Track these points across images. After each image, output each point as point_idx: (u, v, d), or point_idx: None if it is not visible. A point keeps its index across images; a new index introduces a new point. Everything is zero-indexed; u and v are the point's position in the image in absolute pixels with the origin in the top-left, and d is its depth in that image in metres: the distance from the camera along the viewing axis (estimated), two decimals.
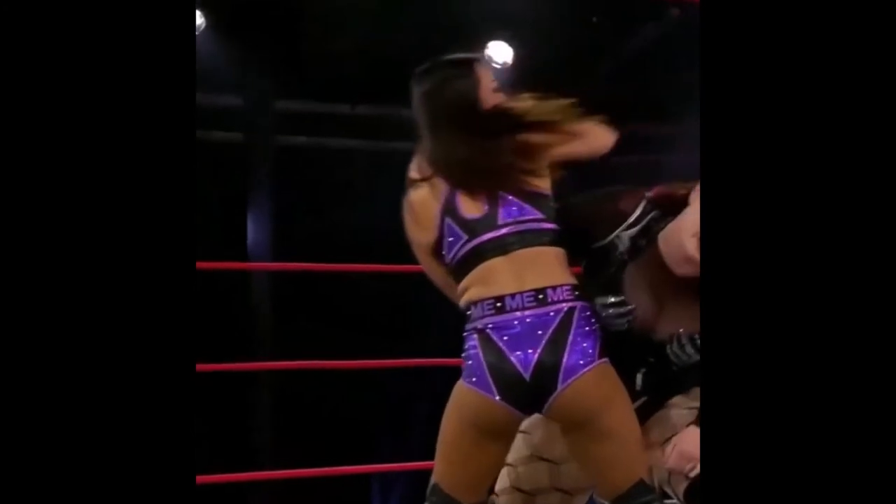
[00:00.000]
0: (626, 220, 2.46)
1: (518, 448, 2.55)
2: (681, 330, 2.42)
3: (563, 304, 2.34)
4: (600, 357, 2.33)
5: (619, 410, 2.36)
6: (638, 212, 2.46)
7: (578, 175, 2.52)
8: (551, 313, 2.32)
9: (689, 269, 2.35)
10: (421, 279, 2.60)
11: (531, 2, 6.39)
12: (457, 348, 2.43)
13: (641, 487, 2.35)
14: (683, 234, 2.33)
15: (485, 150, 2.43)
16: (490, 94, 2.49)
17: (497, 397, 2.32)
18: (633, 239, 2.45)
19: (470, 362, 2.35)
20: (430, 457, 2.44)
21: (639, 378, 2.47)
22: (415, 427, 7.15)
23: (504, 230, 2.39)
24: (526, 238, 2.39)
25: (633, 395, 2.46)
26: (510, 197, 2.41)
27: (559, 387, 2.30)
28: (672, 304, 2.43)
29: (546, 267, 2.38)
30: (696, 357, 2.42)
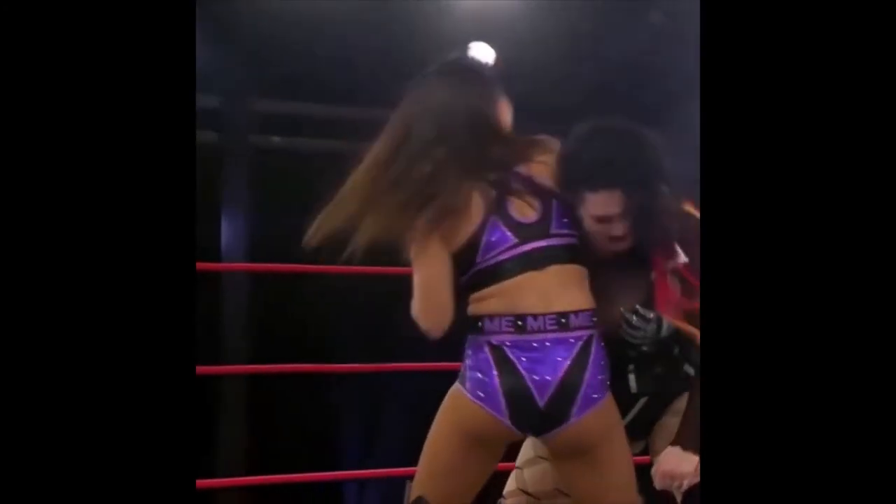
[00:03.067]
0: None
1: (525, 450, 2.54)
2: (621, 309, 2.38)
3: (583, 332, 2.27)
4: (608, 389, 2.29)
5: (616, 442, 2.32)
6: None
7: None
8: (571, 340, 2.26)
9: (616, 247, 2.37)
10: (399, 281, 2.51)
11: (513, 4, 6.36)
12: (432, 353, 2.36)
13: None
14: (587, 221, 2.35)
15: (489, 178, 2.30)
16: (504, 108, 2.38)
17: (506, 420, 2.25)
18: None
19: (479, 375, 2.26)
20: (402, 463, 2.38)
21: (631, 379, 2.43)
22: (388, 432, 7.11)
23: (554, 241, 2.30)
24: (566, 252, 2.31)
25: (631, 399, 2.43)
26: (561, 207, 2.32)
27: (572, 419, 2.24)
28: (609, 288, 2.39)
29: (574, 288, 2.30)
30: (651, 327, 2.37)
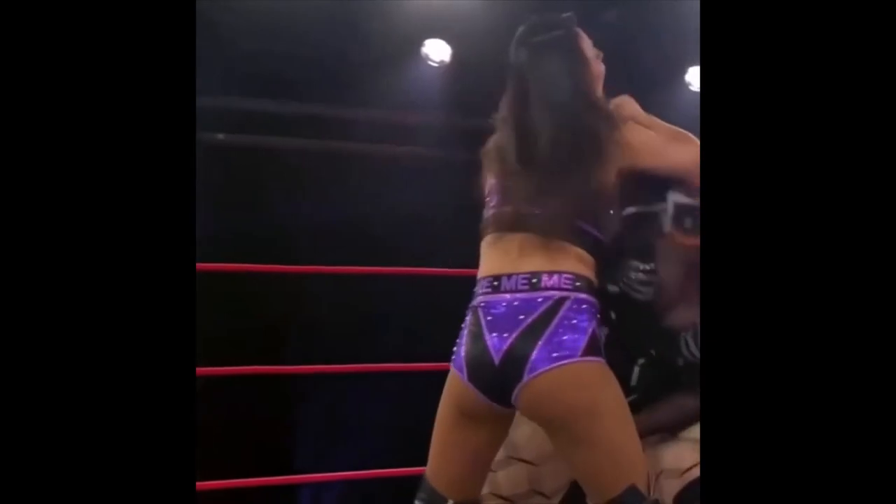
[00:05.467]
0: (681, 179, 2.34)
1: None
2: (628, 264, 2.34)
3: (555, 292, 2.19)
4: (587, 355, 2.17)
5: (606, 416, 2.18)
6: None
7: None
8: (539, 299, 2.19)
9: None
10: (360, 280, 2.48)
11: (469, 3, 6.31)
12: (397, 353, 2.31)
13: (632, 495, 2.18)
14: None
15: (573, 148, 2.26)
16: (596, 66, 2.37)
17: (465, 378, 2.21)
18: (680, 208, 2.35)
19: (458, 340, 2.26)
20: (367, 466, 2.33)
21: (636, 371, 2.35)
22: (348, 435, 7.06)
23: (542, 209, 2.25)
24: (553, 229, 2.25)
25: (625, 391, 2.30)
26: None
27: (525, 377, 2.16)
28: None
29: (554, 253, 2.23)
30: (650, 286, 2.34)
